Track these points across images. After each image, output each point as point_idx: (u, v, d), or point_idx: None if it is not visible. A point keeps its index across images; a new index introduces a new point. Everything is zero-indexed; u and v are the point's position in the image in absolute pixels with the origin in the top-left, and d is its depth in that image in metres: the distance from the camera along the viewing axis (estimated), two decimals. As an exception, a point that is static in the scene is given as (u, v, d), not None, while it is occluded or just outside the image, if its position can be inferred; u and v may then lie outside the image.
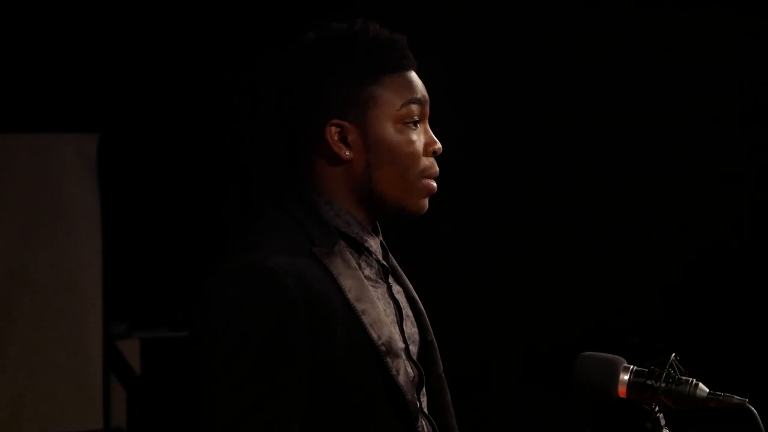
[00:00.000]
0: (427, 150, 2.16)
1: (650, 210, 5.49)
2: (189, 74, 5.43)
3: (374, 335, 2.05)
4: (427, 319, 2.22)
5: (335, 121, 2.11)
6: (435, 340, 2.22)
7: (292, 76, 2.16)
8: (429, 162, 2.16)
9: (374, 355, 2.04)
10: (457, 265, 5.44)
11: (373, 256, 2.16)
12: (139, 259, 5.58)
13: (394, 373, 2.05)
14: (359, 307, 2.05)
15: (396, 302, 2.16)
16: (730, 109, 5.41)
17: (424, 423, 2.12)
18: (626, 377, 2.09)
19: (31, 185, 5.50)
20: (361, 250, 2.14)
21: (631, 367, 2.10)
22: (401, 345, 2.12)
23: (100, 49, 5.34)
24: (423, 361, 2.19)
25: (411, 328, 2.17)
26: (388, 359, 2.05)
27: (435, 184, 2.17)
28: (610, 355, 2.13)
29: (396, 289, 2.19)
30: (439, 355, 2.22)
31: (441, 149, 2.17)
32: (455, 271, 5.42)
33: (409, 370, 2.12)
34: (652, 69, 5.45)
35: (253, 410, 1.97)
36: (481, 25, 5.43)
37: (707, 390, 2.07)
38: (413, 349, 2.16)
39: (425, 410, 2.15)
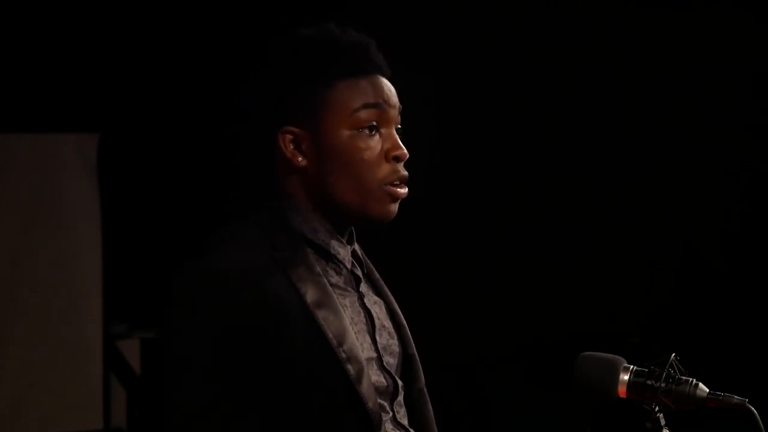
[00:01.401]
0: (388, 155, 2.11)
1: (650, 210, 5.49)
2: (189, 74, 5.43)
3: (334, 341, 2.03)
4: (409, 333, 2.21)
5: (288, 128, 2.11)
6: (417, 355, 2.21)
7: (251, 82, 2.16)
8: (390, 168, 2.11)
9: (333, 361, 2.03)
10: (457, 266, 5.44)
11: (342, 264, 2.14)
12: (139, 259, 5.58)
13: (354, 380, 2.03)
14: (319, 313, 2.04)
15: (368, 311, 2.14)
16: (729, 109, 5.41)
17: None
18: (626, 377, 2.09)
19: (31, 185, 5.50)
20: (328, 257, 2.13)
21: (631, 367, 2.11)
22: (371, 354, 2.11)
23: (100, 49, 5.34)
24: (404, 374, 2.18)
25: (388, 340, 2.16)
26: (349, 366, 2.04)
27: (400, 190, 2.12)
28: (610, 355, 2.13)
29: (372, 299, 2.18)
30: (420, 369, 2.21)
31: (405, 155, 2.12)
32: (455, 272, 5.42)
33: (381, 379, 2.11)
34: (645, 71, 5.45)
35: (209, 410, 1.98)
36: (471, 28, 5.43)
37: (707, 390, 2.08)
38: (390, 360, 2.15)
39: (401, 421, 2.13)
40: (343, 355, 2.03)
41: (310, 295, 2.04)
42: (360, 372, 2.04)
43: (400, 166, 2.13)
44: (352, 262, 2.17)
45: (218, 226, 2.19)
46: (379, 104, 2.11)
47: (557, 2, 5.46)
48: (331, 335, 2.03)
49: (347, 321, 2.07)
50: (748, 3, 5.35)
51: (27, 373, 5.46)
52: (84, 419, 5.52)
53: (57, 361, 5.48)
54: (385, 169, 2.11)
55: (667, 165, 5.46)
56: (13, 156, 5.48)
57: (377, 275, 2.23)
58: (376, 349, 2.12)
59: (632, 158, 5.47)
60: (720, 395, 2.08)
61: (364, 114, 2.10)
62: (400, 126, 2.16)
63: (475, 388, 5.42)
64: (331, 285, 2.10)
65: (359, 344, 2.08)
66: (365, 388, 2.04)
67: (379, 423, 2.06)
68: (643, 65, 5.44)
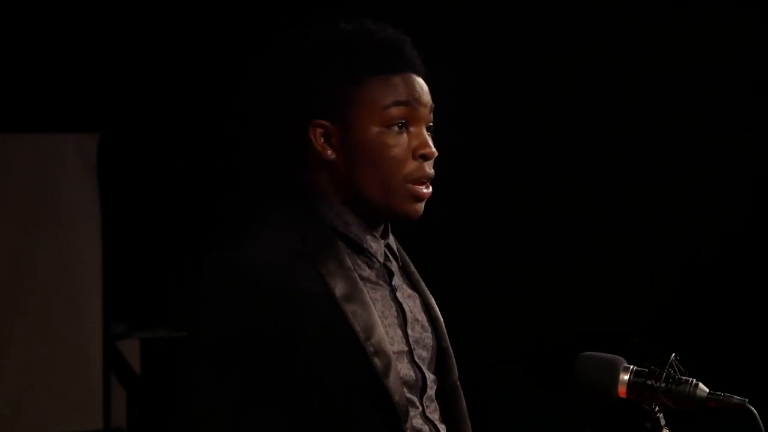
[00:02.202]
0: (415, 153, 2.13)
1: (650, 210, 5.49)
2: (189, 74, 5.43)
3: (361, 335, 2.04)
4: (444, 327, 2.22)
5: (319, 121, 2.11)
6: (450, 349, 2.21)
7: (282, 74, 2.16)
8: (416, 166, 2.13)
9: (360, 355, 2.04)
10: (456, 265, 5.44)
11: (375, 258, 2.15)
12: (139, 259, 5.58)
13: (381, 373, 2.04)
14: (347, 306, 2.05)
15: (399, 305, 2.15)
16: (729, 109, 5.41)
17: (428, 428, 2.12)
18: (626, 377, 2.09)
19: (31, 185, 5.50)
20: (360, 250, 2.14)
21: (631, 367, 2.10)
22: (402, 348, 2.12)
23: (100, 48, 5.34)
24: (437, 368, 2.19)
25: (421, 333, 2.17)
26: (376, 359, 2.04)
27: (425, 190, 2.14)
28: (610, 355, 2.13)
29: (406, 293, 2.18)
30: (454, 363, 2.22)
31: (433, 153, 2.14)
32: (455, 272, 5.42)
33: (411, 373, 2.12)
34: (645, 71, 5.45)
35: (222, 407, 2.00)
36: (471, 28, 5.44)
37: (707, 390, 2.08)
38: (422, 353, 2.15)
39: (431, 416, 2.14)
40: (371, 349, 2.04)
41: (339, 288, 2.05)
42: (387, 366, 2.05)
43: (428, 165, 2.14)
44: (386, 255, 2.18)
45: (225, 222, 2.20)
46: (410, 102, 2.13)
47: (557, 2, 5.46)
48: (358, 329, 2.04)
49: (376, 315, 2.08)
50: (748, 3, 5.36)
51: (27, 373, 5.46)
52: (84, 419, 5.52)
53: (57, 361, 5.48)
54: (412, 166, 2.12)
55: (667, 165, 5.46)
56: (13, 156, 5.48)
57: (413, 269, 2.24)
58: (408, 343, 2.13)
59: (632, 158, 5.47)
60: (720, 395, 2.08)
61: (394, 111, 2.11)
62: (431, 124, 2.18)
63: (475, 388, 5.41)
64: (362, 278, 2.10)
65: (389, 338, 2.09)
66: (392, 382, 2.05)
67: (406, 417, 2.07)
68: (643, 65, 5.44)
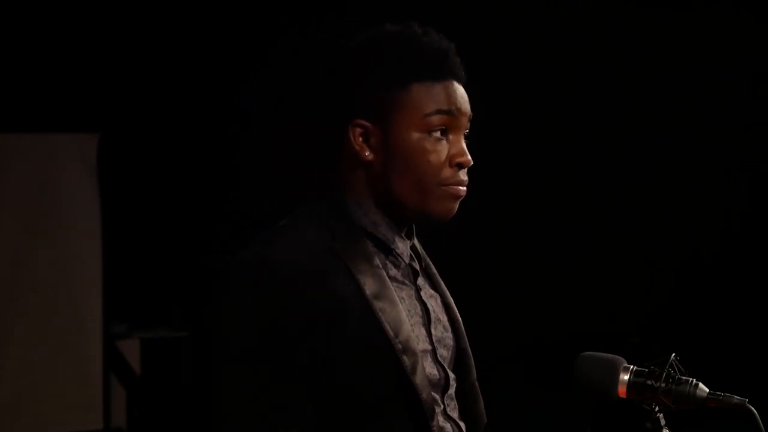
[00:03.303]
0: (453, 161, 2.17)
1: (650, 210, 5.49)
2: (189, 74, 5.43)
3: (390, 333, 2.06)
4: (462, 328, 2.26)
5: (359, 121, 2.14)
6: (469, 349, 2.26)
7: (327, 73, 2.19)
8: (451, 172, 2.16)
9: (389, 352, 2.06)
10: (456, 266, 5.43)
11: (401, 258, 2.18)
12: (139, 259, 5.58)
13: (409, 371, 2.06)
14: (377, 304, 2.07)
15: (424, 304, 2.18)
16: (729, 109, 5.41)
17: (449, 426, 2.14)
18: (626, 377, 2.09)
19: (31, 185, 5.51)
20: (388, 250, 2.16)
21: (631, 367, 2.10)
22: (426, 347, 2.14)
23: (100, 48, 5.34)
24: (457, 368, 2.22)
25: (443, 333, 2.20)
26: (405, 357, 2.06)
27: (461, 188, 2.18)
28: (610, 355, 2.13)
29: (428, 293, 2.22)
30: (473, 363, 2.26)
31: (469, 162, 2.20)
32: (455, 272, 5.41)
33: (435, 372, 2.15)
34: (645, 71, 5.45)
35: (262, 398, 2.01)
36: (471, 28, 5.44)
37: (707, 390, 2.08)
38: (443, 353, 2.19)
39: (451, 414, 2.17)
40: (399, 347, 2.06)
41: (369, 286, 2.08)
42: (415, 363, 2.07)
43: (462, 173, 2.19)
44: (411, 255, 2.21)
45: (225, 222, 2.22)
46: (451, 111, 2.17)
47: (557, 2, 5.46)
48: (388, 326, 2.06)
49: (404, 313, 2.10)
50: (748, 3, 5.36)
51: (27, 373, 5.46)
52: (84, 419, 5.53)
53: (57, 361, 5.48)
54: (447, 173, 2.16)
55: (667, 165, 5.46)
56: (13, 156, 5.48)
57: (434, 270, 2.29)
58: (431, 342, 2.16)
59: (632, 158, 5.47)
60: (720, 395, 2.08)
61: (435, 119, 2.15)
62: (467, 131, 2.25)
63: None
64: (389, 277, 2.13)
65: (415, 336, 2.11)
66: (419, 379, 2.08)
67: (433, 414, 2.10)
68: (643, 65, 5.44)
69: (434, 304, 2.21)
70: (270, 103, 4.66)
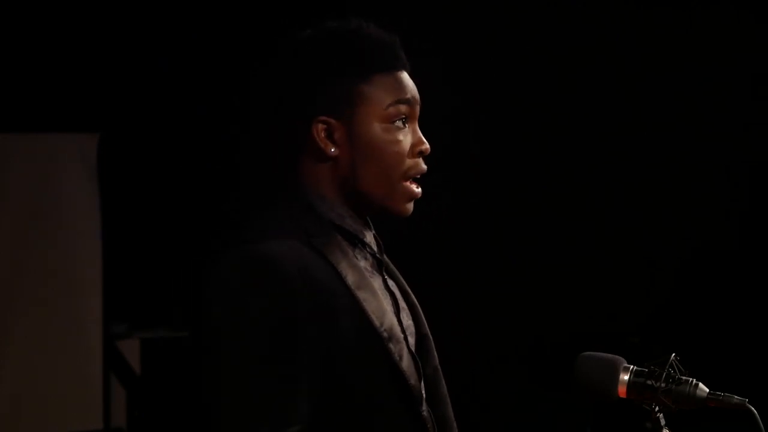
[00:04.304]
0: (414, 150, 2.18)
1: (650, 210, 5.49)
2: (189, 74, 5.43)
3: (376, 322, 2.09)
4: (422, 313, 2.27)
5: (322, 117, 2.15)
6: (430, 334, 2.26)
7: (283, 73, 2.20)
8: (414, 162, 2.18)
9: (377, 342, 2.09)
10: (456, 265, 5.44)
11: (368, 248, 2.20)
12: (139, 259, 5.58)
13: (397, 358, 2.09)
14: (360, 294, 2.09)
15: (392, 294, 2.20)
16: (729, 109, 5.41)
17: (427, 412, 2.15)
18: (626, 377, 2.09)
19: (31, 185, 5.50)
20: (355, 242, 2.18)
21: (631, 367, 2.11)
22: (401, 334, 2.16)
23: (100, 48, 5.34)
24: (420, 354, 2.23)
25: (407, 320, 2.22)
26: (391, 345, 2.09)
27: (418, 189, 2.19)
28: (610, 355, 2.13)
29: (391, 282, 2.23)
30: (434, 348, 2.26)
31: (428, 150, 2.19)
32: (455, 271, 5.42)
33: (411, 359, 2.16)
34: (645, 71, 5.45)
35: (261, 398, 2.01)
36: (471, 28, 5.43)
37: (707, 390, 2.08)
38: (411, 340, 2.20)
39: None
40: (385, 335, 2.09)
41: (350, 277, 2.10)
42: (401, 350, 2.11)
43: (422, 161, 2.20)
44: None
45: (223, 221, 2.22)
46: (409, 100, 2.18)
47: (557, 2, 5.46)
48: (373, 317, 2.09)
49: (384, 302, 2.13)
50: (748, 3, 5.36)
51: (27, 373, 5.46)
52: (84, 419, 5.52)
53: (57, 361, 5.48)
54: (410, 162, 2.18)
55: (667, 165, 5.46)
56: (13, 156, 5.48)
57: (388, 260, 2.29)
58: (402, 330, 2.18)
59: (632, 158, 5.47)
60: (720, 395, 2.08)
61: (396, 109, 2.16)
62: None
63: (476, 388, 5.42)
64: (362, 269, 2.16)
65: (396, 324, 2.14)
66: (406, 366, 2.11)
67: (421, 399, 2.12)
68: (643, 65, 5.44)
69: (397, 293, 2.23)
70: (269, 103, 4.64)
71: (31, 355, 5.47)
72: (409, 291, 2.27)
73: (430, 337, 2.26)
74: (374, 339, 2.08)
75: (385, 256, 2.27)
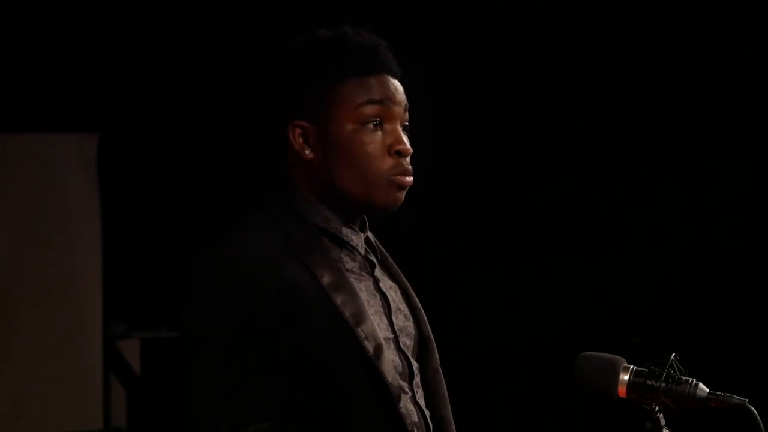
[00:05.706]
0: (391, 150, 2.19)
1: (651, 209, 5.49)
2: (189, 74, 5.43)
3: (351, 321, 2.11)
4: (424, 316, 2.29)
5: (297, 121, 2.20)
6: (432, 337, 2.28)
7: (268, 78, 2.25)
8: (394, 162, 2.19)
9: (352, 340, 2.11)
10: (456, 265, 5.44)
11: (356, 250, 2.22)
12: (139, 259, 5.58)
13: (373, 356, 2.11)
14: (335, 295, 2.12)
15: (383, 295, 2.22)
16: (729, 109, 5.41)
17: (415, 412, 2.17)
18: (626, 377, 2.09)
19: (31, 185, 5.51)
20: (342, 244, 2.21)
21: (631, 367, 2.11)
22: (388, 335, 2.18)
23: (100, 48, 5.34)
24: (420, 356, 2.25)
25: (404, 322, 2.24)
26: (367, 344, 2.11)
27: (406, 178, 2.20)
28: (610, 355, 2.13)
29: (387, 284, 2.26)
30: (435, 350, 2.28)
31: (408, 150, 2.20)
32: (455, 271, 5.42)
33: (397, 359, 2.18)
34: (645, 71, 5.45)
35: (228, 396, 2.05)
36: (472, 27, 5.44)
37: (707, 390, 2.08)
38: (406, 341, 2.23)
39: (419, 401, 2.20)
40: (362, 334, 2.11)
41: (326, 278, 2.13)
42: (378, 349, 2.12)
43: (405, 161, 2.21)
44: (366, 248, 2.25)
45: (223, 222, 2.24)
46: (383, 101, 2.19)
47: (557, 2, 5.46)
48: (348, 315, 2.11)
49: (365, 303, 2.15)
50: (748, 3, 5.36)
51: (27, 373, 5.46)
52: (84, 419, 5.53)
53: (57, 361, 5.48)
54: (389, 162, 2.19)
55: (668, 165, 5.46)
56: (13, 156, 5.49)
57: (392, 261, 2.31)
58: (393, 330, 2.20)
59: (633, 158, 5.47)
60: (720, 395, 2.08)
61: (368, 109, 2.19)
62: (407, 123, 2.24)
63: (476, 389, 5.42)
64: (346, 270, 2.18)
65: (377, 325, 2.16)
66: (384, 364, 2.12)
67: (399, 397, 2.14)
68: (643, 65, 5.44)
69: (394, 294, 2.25)
70: (257, 107, 4.64)
71: (32, 355, 5.47)
72: (413, 295, 2.30)
73: (432, 340, 2.28)
74: (349, 338, 2.10)
75: (389, 258, 2.29)
